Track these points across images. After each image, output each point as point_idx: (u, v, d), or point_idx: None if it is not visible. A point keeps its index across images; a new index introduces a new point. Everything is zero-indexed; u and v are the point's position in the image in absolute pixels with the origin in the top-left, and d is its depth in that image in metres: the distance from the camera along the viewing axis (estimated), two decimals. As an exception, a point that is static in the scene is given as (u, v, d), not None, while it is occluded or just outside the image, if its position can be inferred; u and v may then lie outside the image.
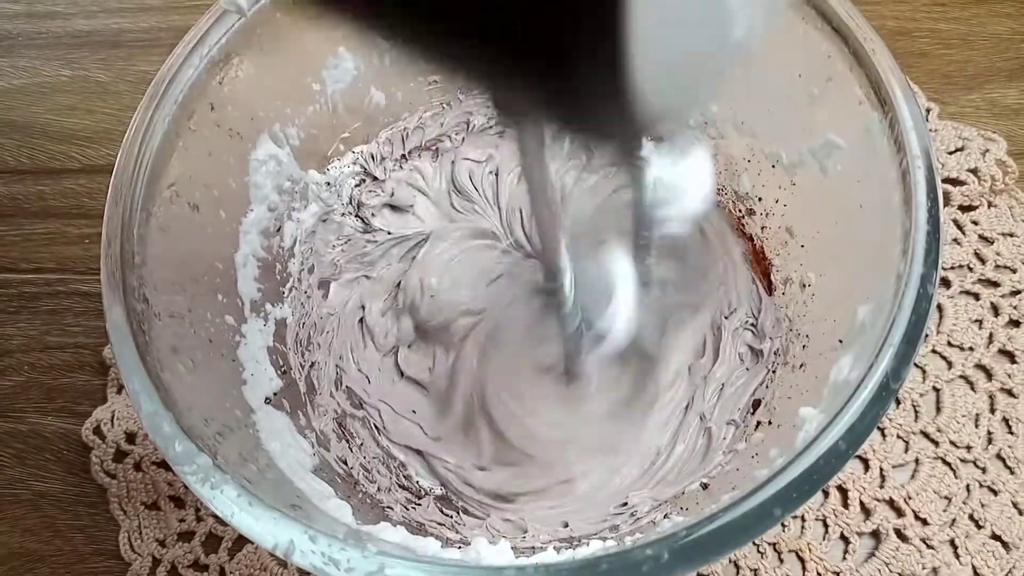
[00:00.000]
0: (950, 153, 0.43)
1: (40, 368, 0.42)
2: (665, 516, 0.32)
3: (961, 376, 0.38)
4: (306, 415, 0.35)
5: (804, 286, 0.34)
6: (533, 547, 0.32)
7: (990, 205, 0.42)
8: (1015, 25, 0.48)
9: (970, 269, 0.41)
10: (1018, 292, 0.40)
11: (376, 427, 0.38)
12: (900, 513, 0.36)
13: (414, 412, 0.38)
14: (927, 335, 0.35)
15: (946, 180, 0.42)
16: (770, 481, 0.22)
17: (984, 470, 0.36)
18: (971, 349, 0.39)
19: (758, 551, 0.35)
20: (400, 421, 0.38)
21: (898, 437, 0.37)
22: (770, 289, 0.37)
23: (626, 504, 0.34)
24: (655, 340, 0.37)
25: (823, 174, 0.32)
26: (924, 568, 0.35)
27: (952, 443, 0.37)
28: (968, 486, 0.36)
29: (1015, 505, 0.36)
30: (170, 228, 0.29)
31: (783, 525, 0.36)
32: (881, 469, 0.37)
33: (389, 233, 0.41)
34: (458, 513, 0.35)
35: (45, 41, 0.51)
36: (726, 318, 0.38)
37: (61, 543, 0.38)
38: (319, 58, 0.35)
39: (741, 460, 0.32)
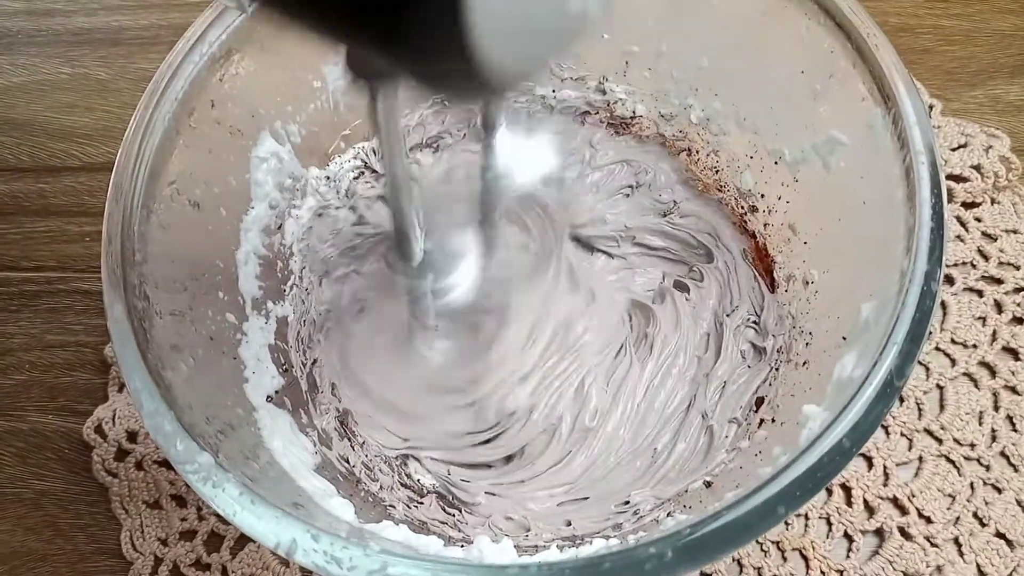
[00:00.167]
0: (953, 150, 0.43)
1: (41, 366, 0.42)
2: (668, 514, 0.31)
3: (965, 373, 0.38)
4: (308, 413, 0.35)
5: (807, 283, 0.34)
6: (536, 545, 0.32)
7: (993, 202, 0.42)
8: (1018, 21, 0.48)
9: (973, 266, 0.40)
10: (1022, 289, 0.40)
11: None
12: (904, 511, 0.36)
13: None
14: (931, 332, 0.35)
15: (949, 177, 0.42)
16: (774, 479, 0.22)
17: (988, 468, 0.36)
18: (975, 346, 0.39)
19: (761, 549, 0.35)
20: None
21: (902, 435, 0.37)
22: (773, 286, 0.37)
23: (628, 502, 0.34)
24: (503, 301, 0.38)
25: (826, 170, 0.32)
26: (928, 566, 0.34)
27: (956, 441, 0.37)
28: (972, 484, 0.36)
29: (1019, 503, 0.35)
30: (171, 226, 0.29)
31: (787, 523, 0.36)
32: (885, 467, 0.36)
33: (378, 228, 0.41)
34: (460, 511, 0.35)
35: (45, 39, 0.51)
36: (727, 315, 0.38)
37: (63, 542, 0.38)
38: (320, 55, 0.35)
39: (744, 458, 0.32)
